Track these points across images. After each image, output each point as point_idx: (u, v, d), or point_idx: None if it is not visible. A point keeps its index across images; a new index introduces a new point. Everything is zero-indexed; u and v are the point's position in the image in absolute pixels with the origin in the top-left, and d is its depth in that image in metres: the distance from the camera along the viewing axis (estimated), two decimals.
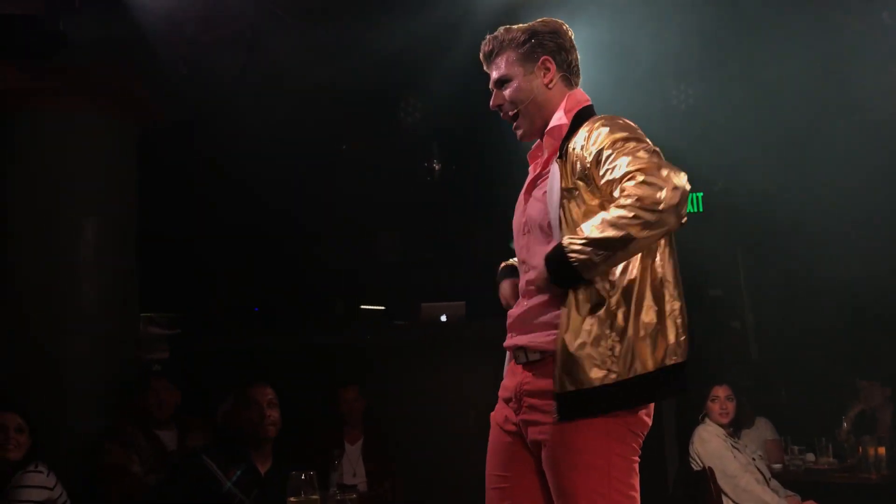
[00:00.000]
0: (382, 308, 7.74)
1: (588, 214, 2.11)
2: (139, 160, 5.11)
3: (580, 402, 2.06)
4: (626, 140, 2.12)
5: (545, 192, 2.23)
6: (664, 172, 2.02)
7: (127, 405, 4.47)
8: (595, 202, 2.13)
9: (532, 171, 2.37)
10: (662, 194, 1.99)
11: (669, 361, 2.10)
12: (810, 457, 5.30)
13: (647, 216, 1.98)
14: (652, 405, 2.17)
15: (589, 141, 2.15)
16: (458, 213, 7.55)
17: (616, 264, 2.07)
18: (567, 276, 2.06)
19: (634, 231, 1.99)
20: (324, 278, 7.56)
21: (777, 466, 5.08)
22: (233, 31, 5.06)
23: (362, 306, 7.78)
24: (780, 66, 5.54)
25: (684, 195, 2.01)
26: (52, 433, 4.11)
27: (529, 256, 2.27)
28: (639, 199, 1.99)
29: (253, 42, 5.17)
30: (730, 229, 6.58)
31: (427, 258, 8.01)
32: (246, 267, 7.32)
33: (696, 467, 4.72)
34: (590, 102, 2.33)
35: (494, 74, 2.36)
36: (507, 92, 2.33)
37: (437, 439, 5.54)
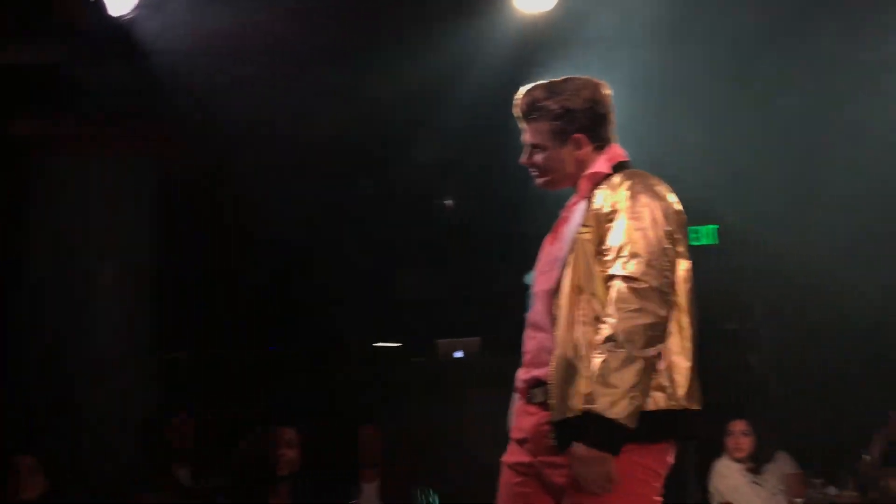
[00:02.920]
0: (399, 345, 7.75)
1: (592, 256, 2.11)
2: (158, 202, 5.19)
3: (571, 432, 2.05)
4: (640, 218, 2.09)
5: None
6: (653, 271, 2.02)
7: (149, 442, 4.51)
8: (592, 250, 2.13)
9: (563, 214, 2.37)
10: (643, 305, 1.99)
11: (676, 406, 2.08)
12: (832, 490, 5.21)
13: (638, 336, 1.98)
14: (673, 443, 2.16)
15: (614, 192, 2.16)
16: (471, 249, 7.57)
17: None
18: (611, 435, 1.99)
19: (637, 351, 1.98)
20: (339, 317, 7.58)
21: (798, 501, 5.00)
22: (247, 74, 5.15)
23: (376, 344, 7.79)
24: (793, 97, 5.55)
25: (665, 294, 2.02)
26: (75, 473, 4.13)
27: (537, 293, 2.28)
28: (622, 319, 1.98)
29: (266, 83, 5.26)
30: (745, 261, 6.55)
31: (442, 295, 8.02)
32: (261, 307, 7.35)
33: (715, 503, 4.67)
34: (627, 158, 2.31)
35: (527, 137, 2.34)
36: (537, 158, 2.33)
37: (454, 477, 5.51)
